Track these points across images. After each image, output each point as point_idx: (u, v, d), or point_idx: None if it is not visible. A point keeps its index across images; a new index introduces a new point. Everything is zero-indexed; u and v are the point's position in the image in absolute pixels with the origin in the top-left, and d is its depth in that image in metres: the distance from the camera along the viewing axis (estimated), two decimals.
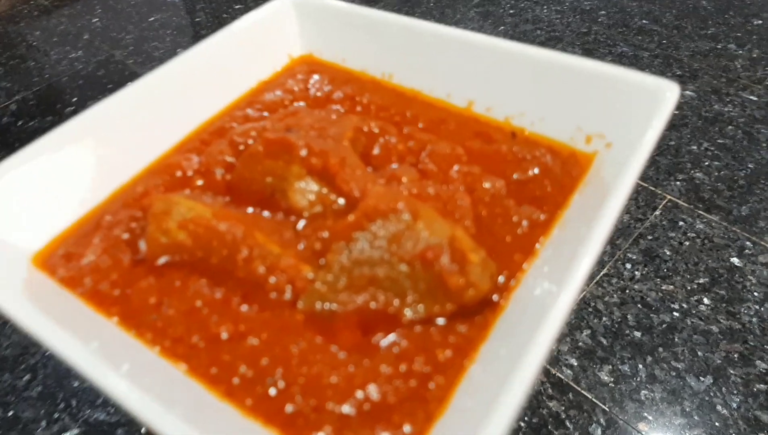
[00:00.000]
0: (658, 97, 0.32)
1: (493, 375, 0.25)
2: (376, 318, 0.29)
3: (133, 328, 0.29)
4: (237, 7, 1.49)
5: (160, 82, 0.39)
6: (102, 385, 0.23)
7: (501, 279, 0.30)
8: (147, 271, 0.32)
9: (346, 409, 0.26)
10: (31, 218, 0.33)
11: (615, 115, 0.34)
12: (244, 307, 0.30)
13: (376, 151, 0.37)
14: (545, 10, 1.55)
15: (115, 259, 0.32)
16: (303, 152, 0.34)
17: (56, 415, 0.79)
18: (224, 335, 0.28)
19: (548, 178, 0.34)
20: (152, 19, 1.47)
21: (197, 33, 1.42)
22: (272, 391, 0.26)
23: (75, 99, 1.27)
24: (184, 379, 0.27)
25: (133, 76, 1.31)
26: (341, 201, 0.33)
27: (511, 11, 1.55)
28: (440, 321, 0.29)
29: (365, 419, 0.25)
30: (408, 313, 0.29)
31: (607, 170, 0.33)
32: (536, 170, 0.35)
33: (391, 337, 0.28)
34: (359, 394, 0.26)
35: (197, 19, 1.46)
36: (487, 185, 0.34)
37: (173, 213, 0.32)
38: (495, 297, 0.29)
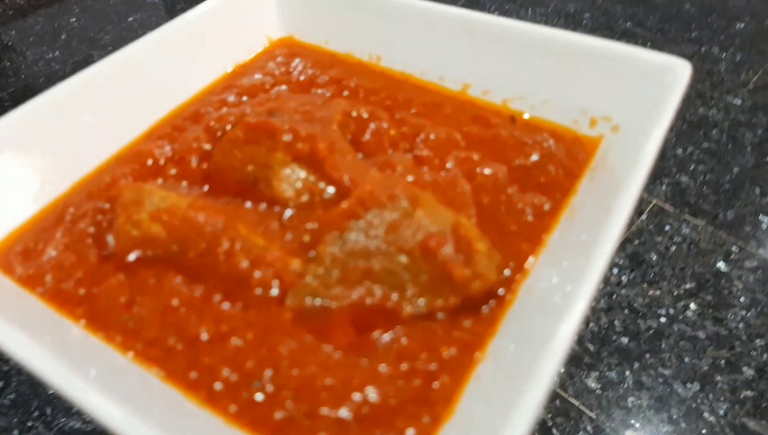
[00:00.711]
0: (669, 77, 0.30)
1: (505, 376, 0.23)
2: (373, 314, 0.27)
3: (101, 331, 0.27)
4: None
5: (128, 63, 0.36)
6: (67, 393, 0.21)
7: (507, 271, 0.28)
8: (116, 267, 0.29)
9: (343, 413, 0.23)
10: None
11: (622, 96, 0.32)
12: (226, 305, 0.27)
13: (367, 137, 0.35)
14: (530, 13, 1.56)
15: (80, 255, 0.29)
16: (287, 137, 0.31)
17: (30, 424, 0.75)
18: (204, 336, 0.26)
19: (552, 163, 0.32)
20: (131, 19, 1.44)
21: None
22: (259, 396, 0.24)
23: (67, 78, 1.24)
24: (160, 385, 0.24)
25: None
26: (330, 189, 0.31)
27: (496, 13, 1.55)
28: (442, 316, 0.27)
29: (364, 424, 0.23)
30: (408, 307, 0.26)
31: (615, 155, 0.31)
32: (538, 156, 0.33)
33: (390, 334, 0.26)
34: (357, 396, 0.24)
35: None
36: (487, 172, 0.32)
37: (145, 203, 0.30)
38: (501, 290, 0.27)
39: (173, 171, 0.34)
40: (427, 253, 0.26)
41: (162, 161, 0.34)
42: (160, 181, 0.33)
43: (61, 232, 0.30)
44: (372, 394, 0.24)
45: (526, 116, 0.36)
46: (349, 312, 0.27)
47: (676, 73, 0.30)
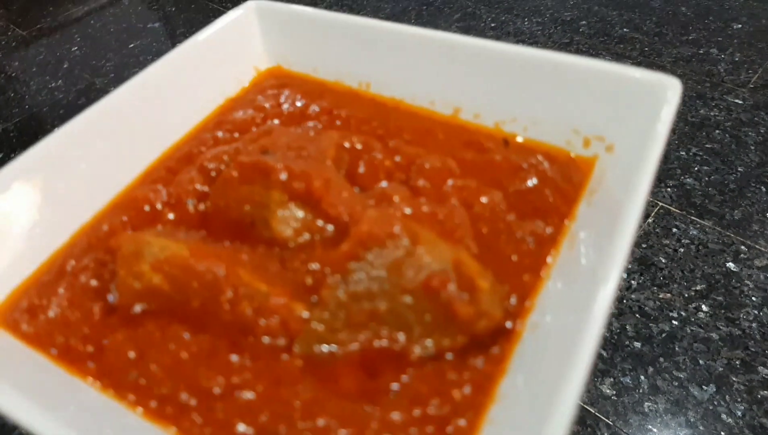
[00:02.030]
0: (659, 94, 0.31)
1: (520, 418, 0.24)
2: (382, 357, 0.27)
3: (112, 388, 0.27)
4: None
5: (117, 107, 0.36)
6: None
7: (512, 300, 0.29)
8: (121, 321, 0.29)
9: None
10: None
11: (614, 115, 0.33)
12: (234, 356, 0.28)
13: (361, 169, 0.35)
14: (526, 23, 1.57)
15: (85, 311, 0.30)
16: (282, 176, 0.32)
17: None
18: (216, 390, 0.27)
19: (548, 187, 0.33)
20: (132, 45, 1.45)
21: None
22: None
23: (56, 129, 1.25)
24: None
25: None
26: (329, 227, 0.32)
27: (493, 24, 1.57)
28: (450, 356, 0.27)
29: None
30: (416, 349, 0.27)
31: (611, 175, 0.32)
32: (534, 180, 0.34)
33: (401, 378, 0.27)
34: None
35: (177, 44, 1.45)
36: (484, 200, 0.33)
37: (145, 254, 0.30)
38: (508, 324, 0.28)
39: (170, 215, 0.34)
40: (430, 293, 0.27)
41: (159, 206, 0.34)
42: (159, 227, 0.34)
43: (63, 286, 0.31)
44: None
45: (519, 138, 0.36)
46: (358, 356, 0.27)
47: (665, 90, 0.31)
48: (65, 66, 1.39)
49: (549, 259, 0.30)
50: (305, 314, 0.28)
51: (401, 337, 0.27)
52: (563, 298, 0.27)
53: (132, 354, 0.28)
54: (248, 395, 0.26)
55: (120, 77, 1.35)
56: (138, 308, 0.30)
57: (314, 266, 0.30)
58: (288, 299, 0.29)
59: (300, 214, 0.32)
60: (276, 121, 0.39)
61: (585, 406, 0.93)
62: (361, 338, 0.27)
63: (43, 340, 0.29)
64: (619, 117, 0.33)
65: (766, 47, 1.51)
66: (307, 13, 0.42)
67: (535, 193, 0.33)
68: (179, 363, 0.28)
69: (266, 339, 0.28)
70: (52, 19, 1.55)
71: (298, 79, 0.42)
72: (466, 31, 1.53)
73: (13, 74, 1.38)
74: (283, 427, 0.25)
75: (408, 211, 0.32)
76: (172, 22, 1.52)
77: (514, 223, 0.32)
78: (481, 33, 1.48)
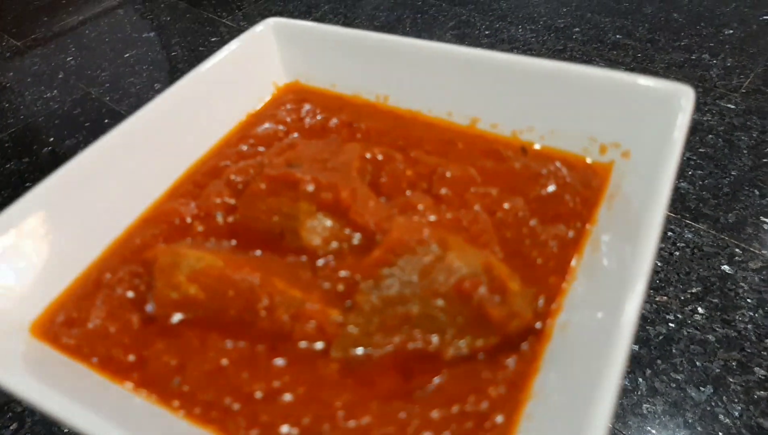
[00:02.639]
0: (674, 102, 0.33)
1: (558, 413, 0.25)
2: (416, 359, 0.29)
3: (155, 395, 0.28)
4: (213, 39, 1.50)
5: (143, 125, 0.38)
6: None
7: (540, 302, 0.30)
8: (160, 331, 0.31)
9: None
10: (22, 285, 0.32)
11: (629, 122, 0.35)
12: (273, 362, 0.29)
13: (383, 179, 0.37)
14: (520, 30, 1.60)
15: (124, 322, 0.31)
16: (310, 187, 0.34)
17: None
18: (258, 394, 0.28)
19: (568, 192, 0.35)
20: (127, 55, 1.47)
21: (174, 67, 1.42)
22: None
23: (52, 139, 1.25)
24: None
25: (111, 113, 1.30)
26: (357, 236, 0.33)
27: (487, 32, 1.59)
28: (483, 356, 0.29)
29: None
30: (450, 350, 0.29)
31: (630, 179, 0.33)
32: (554, 186, 0.35)
33: (436, 378, 0.28)
34: None
35: (173, 54, 1.46)
36: (506, 206, 0.34)
37: (181, 266, 0.31)
38: (538, 324, 0.29)
39: (200, 228, 0.35)
40: (462, 296, 0.29)
41: (188, 219, 0.36)
42: (189, 240, 0.35)
43: (101, 299, 0.32)
44: None
45: (536, 146, 0.38)
46: (393, 358, 0.29)
47: (679, 98, 0.33)
48: (60, 76, 1.40)
49: (573, 262, 0.31)
50: (340, 319, 0.30)
51: (434, 338, 0.29)
52: (591, 298, 0.29)
53: (173, 362, 0.29)
54: (289, 398, 0.27)
55: (116, 87, 1.36)
56: (176, 318, 0.31)
57: (344, 274, 0.31)
58: (323, 305, 0.30)
59: (328, 223, 0.33)
60: (296, 135, 0.41)
61: None
62: (396, 341, 0.29)
63: (83, 351, 0.30)
64: (634, 124, 0.34)
65: (757, 52, 1.55)
66: (323, 30, 0.43)
67: (555, 198, 0.35)
68: (220, 369, 0.29)
69: (303, 344, 0.29)
70: (47, 29, 1.56)
71: (316, 93, 0.44)
72: (460, 38, 1.55)
73: (8, 84, 1.39)
74: (327, 427, 0.26)
75: (433, 218, 0.33)
76: (167, 31, 1.54)
77: (537, 227, 0.33)
78: (475, 40, 1.50)
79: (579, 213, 0.34)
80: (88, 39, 1.53)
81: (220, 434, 0.27)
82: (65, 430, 1.03)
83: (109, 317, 0.31)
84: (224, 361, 0.29)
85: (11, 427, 1.01)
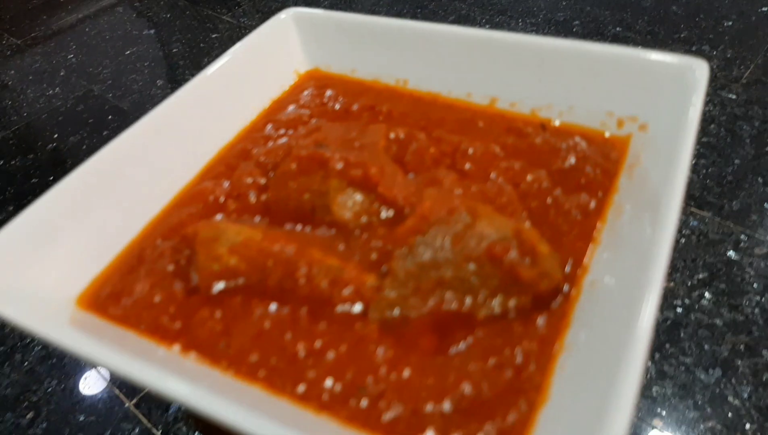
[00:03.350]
0: (689, 75, 0.35)
1: (590, 363, 0.27)
2: (451, 319, 0.31)
3: (203, 357, 0.30)
4: (213, 36, 1.52)
5: (174, 110, 0.40)
6: (199, 405, 0.24)
7: (567, 268, 0.32)
8: (203, 300, 0.33)
9: (446, 407, 0.27)
10: (66, 260, 0.34)
11: (645, 96, 0.37)
12: (314, 324, 0.31)
13: (408, 158, 0.39)
14: (520, 24, 1.63)
15: (168, 292, 0.33)
16: (339, 165, 0.36)
17: None
18: (302, 353, 0.30)
19: (589, 164, 0.37)
20: (128, 52, 1.49)
21: (175, 64, 1.44)
22: (364, 403, 0.28)
23: (56, 135, 1.27)
24: (272, 399, 0.28)
25: (114, 109, 1.32)
26: (386, 211, 0.35)
27: (487, 26, 1.62)
28: (514, 315, 0.31)
29: (468, 415, 0.27)
30: (483, 310, 0.31)
31: (648, 152, 0.35)
32: (575, 158, 0.38)
33: (471, 336, 0.30)
34: (456, 393, 0.28)
35: (174, 50, 1.48)
36: (530, 178, 0.36)
37: (221, 239, 0.33)
38: (565, 287, 0.31)
39: (233, 206, 0.38)
40: (494, 260, 0.31)
41: (222, 199, 0.38)
42: (219, 216, 0.37)
43: (144, 272, 0.34)
44: (468, 388, 0.28)
45: (556, 123, 0.40)
46: (429, 319, 0.31)
47: (694, 71, 0.35)
48: (62, 74, 1.43)
49: (598, 226, 0.34)
50: (376, 284, 0.32)
51: (468, 300, 0.31)
52: (617, 261, 0.31)
53: (218, 327, 0.31)
54: (332, 356, 0.29)
55: (118, 83, 1.38)
56: (218, 288, 0.33)
57: (377, 244, 0.33)
58: (359, 271, 0.32)
59: (359, 198, 0.35)
60: (322, 119, 0.43)
61: None
62: (431, 303, 0.31)
63: (130, 320, 0.32)
64: (650, 98, 0.37)
65: (756, 44, 1.58)
66: (341, 17, 0.45)
67: (576, 170, 0.37)
68: (264, 332, 0.31)
69: (341, 308, 0.31)
70: (47, 27, 1.58)
71: (337, 80, 0.46)
72: None
73: (9, 83, 1.41)
74: (370, 379, 0.28)
75: (459, 192, 0.35)
76: (168, 28, 1.56)
77: (561, 197, 0.35)
78: None
79: (600, 182, 0.36)
80: (89, 37, 1.56)
81: (269, 390, 0.29)
82: (81, 417, 1.05)
83: (153, 289, 0.33)
84: (267, 325, 0.31)
85: (28, 416, 1.03)
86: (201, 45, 1.47)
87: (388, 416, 0.27)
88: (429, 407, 0.27)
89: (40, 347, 1.15)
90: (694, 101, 0.33)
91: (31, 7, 1.60)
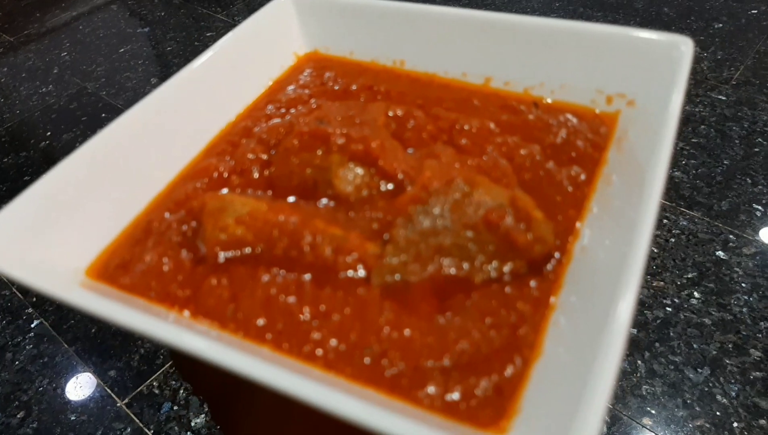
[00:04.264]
0: (674, 51, 0.37)
1: (580, 323, 0.29)
2: (450, 283, 0.32)
3: (212, 321, 0.32)
4: (208, 34, 1.54)
5: (179, 88, 0.41)
6: (215, 358, 0.26)
7: (560, 233, 0.34)
8: (210, 269, 0.34)
9: (446, 363, 0.29)
10: (75, 233, 0.35)
11: (633, 73, 0.38)
12: (320, 289, 0.32)
13: (407, 134, 0.40)
14: None
15: (176, 261, 0.35)
16: (340, 141, 0.37)
17: None
18: (307, 316, 0.31)
19: (579, 138, 0.39)
20: (122, 50, 1.50)
21: (169, 62, 1.45)
22: (368, 361, 0.30)
23: (49, 133, 1.28)
24: (279, 357, 0.30)
25: (108, 107, 1.33)
26: (387, 184, 0.37)
27: None
28: (509, 279, 0.32)
29: (467, 370, 0.29)
30: (479, 275, 0.32)
31: (636, 126, 0.37)
32: (566, 133, 0.39)
33: (469, 299, 0.32)
34: (455, 350, 0.29)
35: (168, 49, 1.49)
36: (523, 152, 0.38)
37: (228, 210, 0.35)
38: (557, 254, 0.33)
39: (237, 181, 0.39)
40: (490, 226, 0.32)
41: (226, 174, 0.39)
42: (224, 191, 0.39)
43: (151, 243, 0.36)
44: (466, 345, 0.29)
45: (548, 101, 0.42)
46: (429, 284, 0.32)
47: (679, 48, 0.37)
48: (55, 71, 1.43)
49: (588, 197, 0.35)
50: (378, 251, 0.33)
51: (465, 265, 0.32)
52: (606, 227, 0.33)
53: (226, 294, 0.33)
54: (337, 318, 0.31)
55: (111, 81, 1.39)
56: (224, 257, 0.34)
57: (377, 215, 0.35)
58: (361, 240, 0.34)
59: (360, 171, 0.37)
60: (321, 98, 0.44)
61: None
62: (430, 269, 0.32)
63: (140, 289, 0.34)
64: (638, 75, 0.38)
65: (746, 45, 1.61)
66: (340, 0, 0.47)
67: (568, 144, 0.39)
68: (270, 298, 0.32)
69: (344, 274, 0.33)
70: (40, 25, 1.59)
71: (335, 61, 0.48)
72: None
73: (3, 80, 1.42)
74: (374, 339, 0.30)
75: (456, 166, 0.37)
76: (162, 27, 1.58)
77: (553, 169, 0.37)
78: None
79: (590, 156, 0.37)
80: (82, 34, 1.56)
81: (276, 352, 0.30)
82: (72, 417, 1.06)
83: (161, 259, 0.35)
84: (273, 291, 0.32)
85: (18, 416, 1.04)
86: (195, 43, 1.49)
87: (390, 372, 0.29)
88: (429, 363, 0.29)
89: (31, 346, 1.16)
90: (679, 77, 0.35)
91: (24, 5, 1.61)
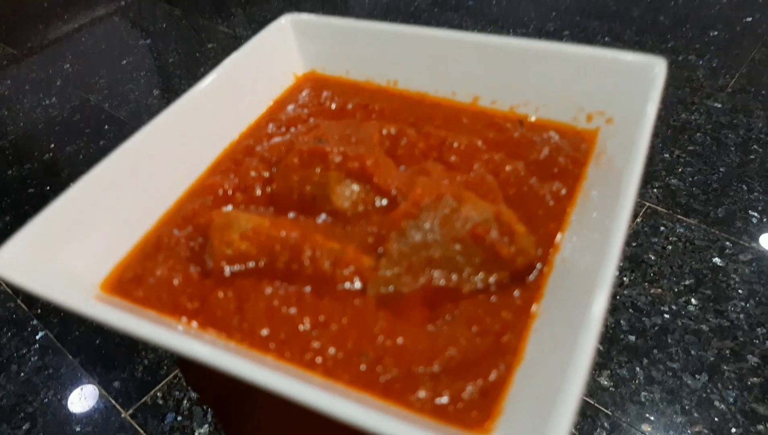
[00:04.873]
0: (648, 72, 0.40)
1: (560, 326, 0.31)
2: (440, 294, 0.35)
3: (219, 332, 0.35)
4: (210, 46, 1.56)
5: (184, 110, 0.44)
6: (225, 366, 0.28)
7: (541, 248, 0.37)
8: (217, 282, 0.37)
9: (435, 369, 0.32)
10: (91, 249, 0.38)
11: (611, 92, 0.41)
12: (319, 300, 0.35)
13: (400, 151, 0.43)
14: (511, 34, 1.68)
15: (185, 275, 0.37)
16: (337, 158, 0.40)
17: None
18: (308, 326, 0.34)
19: (561, 155, 0.41)
20: (124, 62, 1.52)
21: (171, 73, 1.48)
22: (364, 367, 0.32)
23: (52, 145, 1.30)
24: (281, 365, 0.33)
25: (110, 119, 1.36)
26: (381, 199, 0.39)
27: None
28: (495, 289, 0.35)
29: (455, 374, 0.31)
30: (467, 285, 0.35)
31: (613, 142, 0.40)
32: (548, 150, 0.42)
33: (458, 308, 0.34)
34: (444, 356, 0.32)
35: (170, 60, 1.52)
36: (509, 168, 0.41)
37: (233, 226, 0.38)
38: (539, 264, 0.36)
39: (241, 198, 0.42)
40: (476, 239, 0.35)
41: (230, 191, 0.42)
42: (229, 207, 0.41)
43: (162, 258, 0.38)
44: (455, 351, 0.32)
45: (532, 118, 0.45)
46: (420, 294, 0.35)
47: (653, 68, 0.40)
48: (58, 83, 1.46)
49: (568, 210, 0.38)
50: (373, 264, 0.36)
51: (454, 276, 0.35)
52: (584, 239, 0.35)
53: (231, 305, 0.35)
54: (335, 328, 0.34)
55: (114, 93, 1.42)
56: (230, 271, 0.37)
57: (373, 229, 0.38)
58: (357, 253, 0.36)
59: (356, 188, 0.40)
60: (319, 117, 0.47)
61: (584, 398, 1.01)
62: (422, 280, 0.35)
63: (151, 301, 0.36)
64: (615, 94, 0.41)
65: (741, 53, 1.64)
66: (336, 22, 0.50)
67: (550, 160, 0.41)
68: (273, 309, 0.35)
69: (342, 286, 0.35)
70: (42, 37, 1.62)
71: (332, 81, 0.51)
72: None
73: (6, 92, 1.44)
74: (369, 347, 0.33)
75: (446, 181, 0.40)
76: (164, 38, 1.60)
77: (536, 184, 0.40)
78: None
79: (571, 171, 0.40)
80: (85, 46, 1.59)
81: (279, 360, 0.33)
82: (77, 428, 1.08)
83: (170, 272, 0.37)
84: (276, 302, 0.35)
85: (24, 427, 1.06)
86: (196, 54, 1.51)
87: (385, 378, 0.31)
88: (420, 369, 0.32)
89: (36, 358, 1.18)
90: (652, 95, 0.38)
91: (26, 17, 1.64)
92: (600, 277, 0.30)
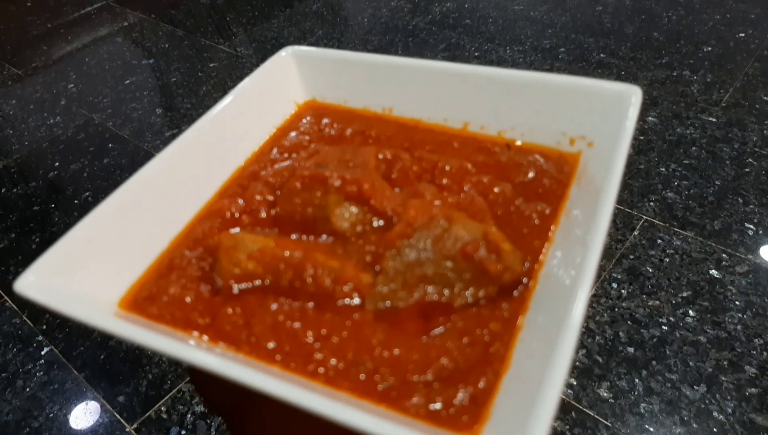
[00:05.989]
0: (625, 100, 0.43)
1: (543, 336, 0.34)
2: (433, 308, 0.38)
3: (231, 346, 0.38)
4: (212, 65, 1.60)
5: (191, 140, 0.47)
6: (235, 377, 0.31)
7: (527, 264, 0.40)
8: (226, 299, 0.40)
9: (429, 377, 0.35)
10: (109, 270, 0.41)
11: (592, 118, 0.44)
12: (320, 315, 0.38)
13: (394, 175, 0.47)
14: (508, 51, 1.72)
15: (196, 293, 0.40)
16: (336, 182, 0.43)
17: None
18: (311, 339, 0.37)
19: (546, 177, 0.45)
20: (128, 81, 1.55)
21: (173, 92, 1.51)
22: (363, 377, 0.35)
23: (57, 163, 1.33)
24: (286, 374, 0.36)
25: (114, 138, 1.39)
26: (378, 220, 0.43)
27: (476, 54, 1.71)
28: (484, 302, 0.38)
29: (447, 382, 0.34)
30: (458, 300, 0.38)
31: (593, 164, 0.43)
32: (534, 173, 0.45)
33: (450, 321, 0.38)
34: (436, 366, 0.35)
35: (173, 79, 1.55)
36: (496, 190, 0.44)
37: (241, 247, 0.41)
38: (525, 279, 0.39)
39: (247, 220, 0.45)
40: (466, 257, 0.38)
41: (237, 214, 0.45)
42: (236, 229, 0.45)
43: (174, 277, 0.41)
44: (447, 361, 0.35)
45: (518, 143, 0.48)
46: (415, 308, 0.38)
47: (630, 96, 0.43)
48: (62, 103, 1.49)
49: (552, 229, 0.41)
50: (371, 281, 0.39)
51: (446, 292, 0.38)
52: (568, 254, 0.38)
53: (240, 321, 0.39)
54: (336, 340, 0.37)
55: (117, 112, 1.45)
56: (238, 289, 0.40)
57: (370, 248, 0.41)
58: (356, 271, 0.40)
59: (354, 210, 0.43)
60: (320, 143, 0.51)
61: (584, 409, 1.03)
62: (416, 295, 0.38)
63: (166, 318, 0.39)
64: (595, 119, 0.44)
65: (735, 68, 1.67)
66: (335, 54, 0.53)
67: (535, 182, 0.45)
68: (278, 323, 0.38)
69: (342, 301, 0.39)
70: (47, 57, 1.65)
71: (331, 109, 0.54)
72: (451, 60, 1.68)
73: (11, 112, 1.47)
74: (367, 357, 0.36)
75: (437, 203, 0.43)
76: (166, 58, 1.64)
77: (522, 205, 0.43)
78: (465, 61, 1.62)
79: (555, 192, 0.43)
80: (88, 66, 1.63)
81: (285, 371, 0.36)
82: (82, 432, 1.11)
83: (183, 291, 0.41)
84: (281, 317, 0.38)
85: None
86: (199, 74, 1.55)
87: (382, 386, 0.34)
88: (415, 377, 0.35)
89: (41, 373, 1.21)
90: (629, 121, 0.41)
91: (30, 37, 1.68)
92: (578, 288, 0.33)
